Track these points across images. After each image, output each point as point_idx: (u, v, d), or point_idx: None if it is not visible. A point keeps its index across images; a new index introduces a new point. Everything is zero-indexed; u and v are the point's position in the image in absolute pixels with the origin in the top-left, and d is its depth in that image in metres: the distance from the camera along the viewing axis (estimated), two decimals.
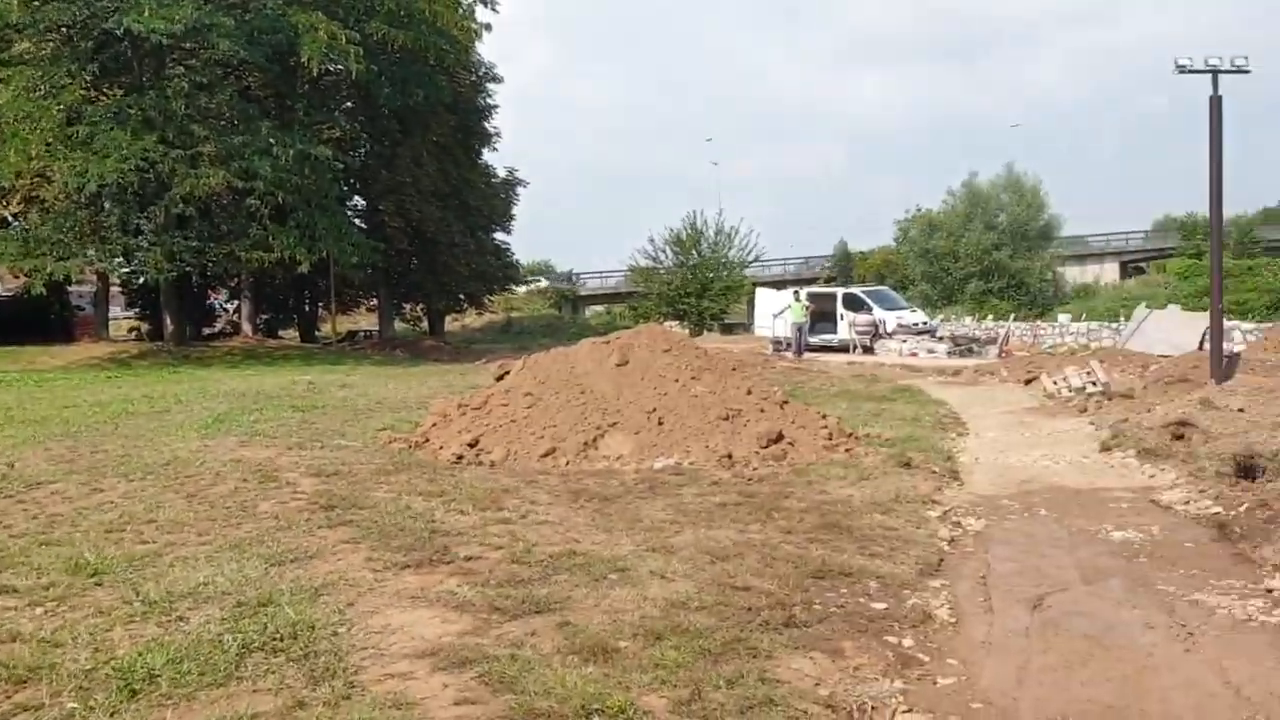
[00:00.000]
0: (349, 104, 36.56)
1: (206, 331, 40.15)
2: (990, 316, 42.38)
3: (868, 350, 31.83)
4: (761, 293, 38.99)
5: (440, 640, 4.94)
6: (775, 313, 33.73)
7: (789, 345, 31.71)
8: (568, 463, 9.93)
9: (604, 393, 10.86)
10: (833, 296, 35.71)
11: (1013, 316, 40.68)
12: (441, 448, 10.51)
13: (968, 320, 41.61)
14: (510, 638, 4.97)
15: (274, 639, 4.85)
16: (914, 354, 30.37)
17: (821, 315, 34.03)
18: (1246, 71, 16.60)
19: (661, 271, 51.51)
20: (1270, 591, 6.01)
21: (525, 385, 11.18)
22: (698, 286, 49.67)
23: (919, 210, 60.97)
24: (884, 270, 61.64)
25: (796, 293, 33.86)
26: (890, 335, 32.75)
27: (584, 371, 11.17)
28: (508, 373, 12.20)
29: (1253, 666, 4.91)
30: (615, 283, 65.98)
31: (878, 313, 34.06)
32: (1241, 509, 7.93)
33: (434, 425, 11.23)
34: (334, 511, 7.63)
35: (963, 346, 31.21)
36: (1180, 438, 11.21)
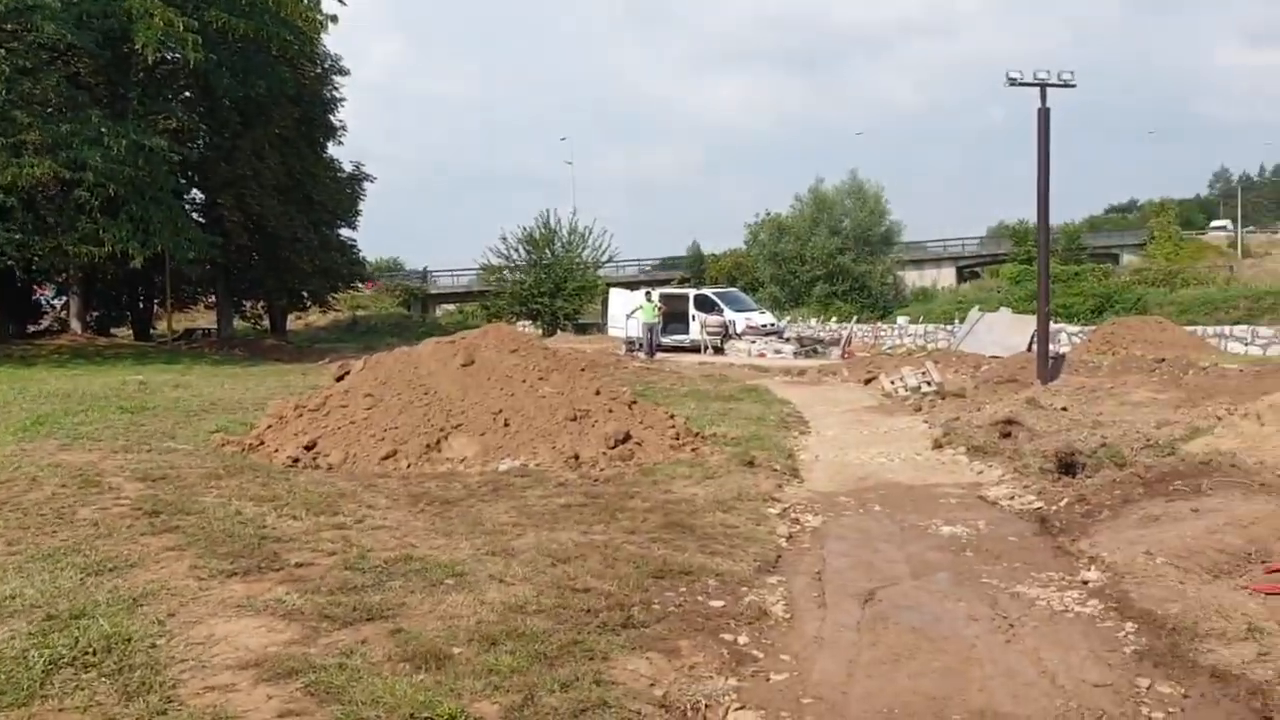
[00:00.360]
0: (187, 94, 35.04)
1: (31, 329, 37.91)
2: (834, 318, 43.54)
3: (718, 351, 32.29)
4: (615, 293, 39.16)
5: (266, 650, 4.74)
6: (628, 313, 33.95)
7: (640, 346, 31.93)
8: (409, 465, 9.73)
9: (448, 394, 10.68)
10: (685, 298, 36.15)
11: (855, 319, 41.91)
12: (277, 450, 10.16)
13: (813, 322, 42.65)
14: (340, 646, 4.81)
15: (86, 653, 4.57)
16: (762, 354, 30.95)
17: (674, 316, 34.40)
18: (1072, 86, 17.49)
19: (515, 270, 51.24)
20: (1086, 583, 6.30)
21: (366, 386, 10.90)
22: (551, 286, 49.57)
23: (768, 214, 62.38)
24: (735, 272, 62.76)
25: (648, 293, 34.13)
26: (740, 336, 33.31)
27: (428, 372, 10.96)
28: (348, 373, 11.88)
29: (1067, 655, 5.13)
30: (468, 281, 65.29)
31: (728, 314, 34.64)
32: (1062, 504, 8.32)
33: (269, 427, 10.85)
34: (159, 518, 7.25)
35: (808, 347, 31.99)
36: (1007, 435, 11.71)
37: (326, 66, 39.27)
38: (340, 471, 9.65)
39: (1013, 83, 16.84)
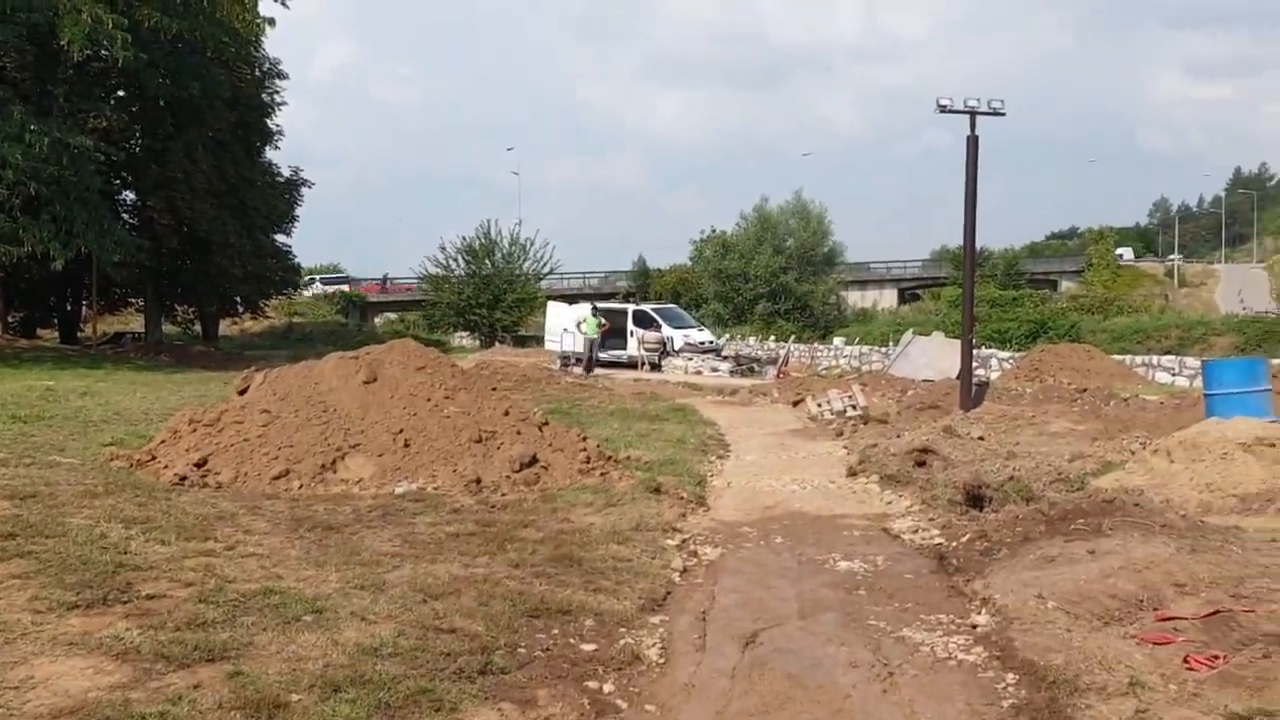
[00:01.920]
0: (120, 93, 34.31)
1: None
2: (773, 337, 43.55)
3: (655, 367, 32.14)
4: (553, 306, 38.81)
5: (87, 696, 4.39)
6: (565, 327, 33.67)
7: (577, 360, 31.73)
8: (301, 486, 9.36)
9: (348, 411, 10.32)
10: (624, 313, 35.96)
11: (793, 338, 41.93)
12: (166, 467, 9.73)
13: (751, 340, 42.64)
14: (169, 691, 4.47)
15: None
16: (699, 372, 30.84)
17: (612, 331, 34.19)
18: (1002, 114, 17.57)
19: (453, 280, 50.71)
20: (974, 627, 6.11)
21: (264, 401, 10.50)
22: (490, 297, 49.08)
23: (713, 231, 62.52)
24: (679, 288, 62.74)
25: (595, 308, 33.89)
26: (678, 353, 33.18)
27: (328, 388, 10.59)
28: (251, 386, 11.47)
29: (942, 708, 4.92)
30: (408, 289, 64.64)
31: (667, 330, 34.50)
32: (963, 540, 8.14)
33: (163, 442, 10.42)
34: (14, 541, 6.80)
35: (745, 366, 31.98)
36: (922, 464, 11.58)
37: (265, 70, 38.68)
38: (229, 491, 9.25)
39: (943, 110, 16.86)
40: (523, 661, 5.18)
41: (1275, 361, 18.11)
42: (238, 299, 41.12)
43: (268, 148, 40.30)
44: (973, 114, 17.11)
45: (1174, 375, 26.95)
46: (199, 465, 9.66)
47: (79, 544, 6.80)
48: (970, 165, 17.28)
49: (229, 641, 5.10)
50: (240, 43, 32.08)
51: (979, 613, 6.36)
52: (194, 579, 6.17)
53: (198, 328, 43.43)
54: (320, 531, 7.74)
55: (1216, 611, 5.76)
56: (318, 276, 64.72)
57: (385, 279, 68.99)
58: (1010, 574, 6.94)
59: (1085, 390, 17.55)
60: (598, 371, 30.00)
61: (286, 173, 41.99)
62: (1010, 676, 5.25)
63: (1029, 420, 14.63)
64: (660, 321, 35.06)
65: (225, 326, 46.14)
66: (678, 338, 34.31)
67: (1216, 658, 5.14)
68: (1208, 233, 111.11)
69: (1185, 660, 5.18)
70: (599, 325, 31.83)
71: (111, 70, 30.91)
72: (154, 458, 10.15)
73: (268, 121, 39.44)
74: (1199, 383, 25.77)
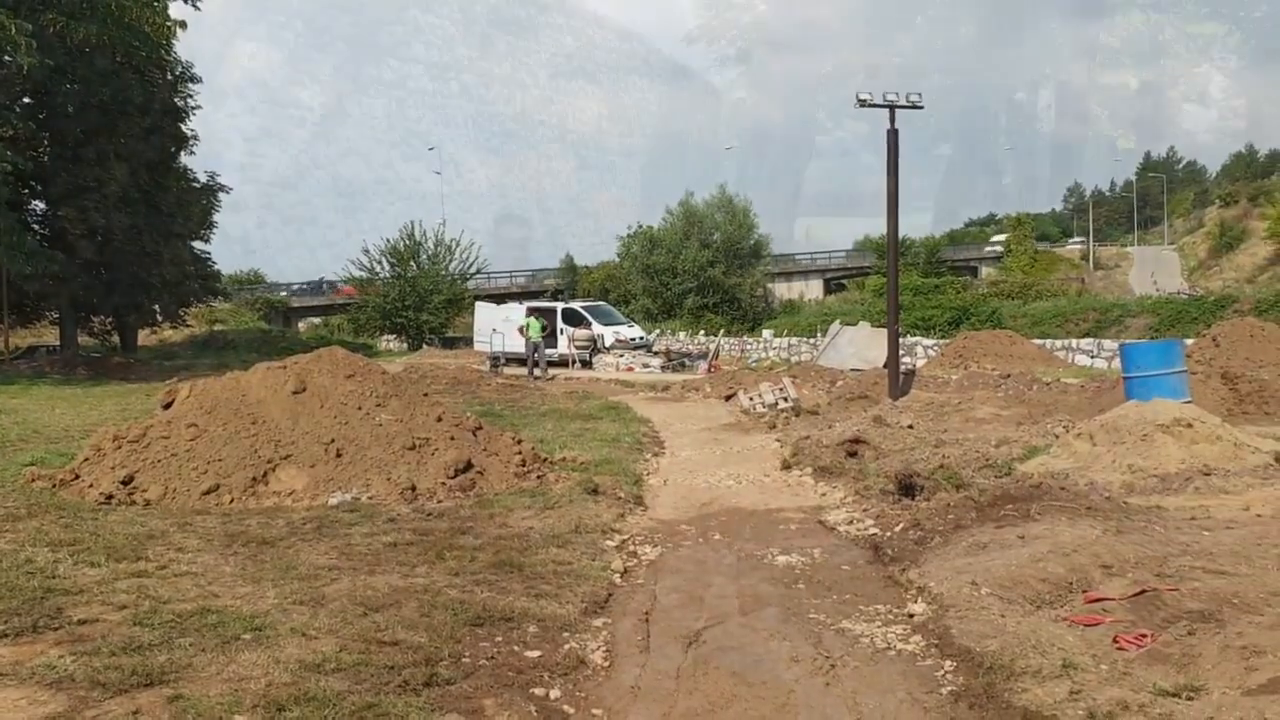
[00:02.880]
0: (26, 100, 33.29)
1: None
2: (703, 332, 43.79)
3: (586, 365, 32.15)
4: (481, 307, 38.54)
5: None
6: (495, 328, 33.47)
7: (508, 361, 31.61)
8: (232, 501, 9.21)
9: (278, 423, 10.16)
10: (553, 311, 35.87)
11: (722, 332, 42.21)
12: (91, 486, 9.50)
13: (681, 335, 42.84)
14: (108, 719, 4.39)
15: None
16: (630, 368, 30.91)
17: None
18: (920, 107, 17.85)
19: (378, 283, 50.19)
20: (911, 616, 6.24)
21: (190, 415, 10.30)
22: (416, 299, 48.61)
23: (640, 227, 62.58)
24: (608, 284, 62.70)
25: (532, 309, 33.72)
26: (608, 350, 33.22)
27: (257, 400, 10.42)
28: (175, 400, 11.23)
29: (883, 699, 5.02)
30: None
31: (596, 328, 34.50)
32: (897, 529, 8.30)
33: (86, 460, 10.16)
34: None
35: (676, 361, 32.11)
36: (854, 455, 11.76)
37: (178, 74, 37.77)
38: (158, 508, 9.06)
39: (862, 104, 17.09)
40: (467, 671, 5.16)
41: (1188, 342, 18.71)
42: (156, 308, 40.21)
43: (183, 153, 39.40)
44: (892, 108, 17.36)
45: (1092, 358, 27.68)
46: (125, 483, 9.45)
47: (4, 570, 6.64)
48: (891, 158, 17.55)
49: (167, 664, 5.01)
50: (151, 46, 31.25)
51: (915, 602, 6.49)
52: (127, 601, 6.05)
53: (116, 339, 42.31)
54: (254, 546, 7.62)
55: (1143, 591, 5.94)
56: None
57: (322, 283, 68.02)
58: (944, 562, 7.08)
59: (1008, 376, 17.94)
60: (537, 372, 29.89)
61: (203, 178, 41.09)
62: (948, 664, 5.37)
63: (955, 407, 14.91)
64: (590, 319, 35.06)
65: (144, 337, 45.03)
66: (608, 335, 34.36)
67: (1144, 636, 5.31)
68: (1120, 216, 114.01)
69: (1115, 640, 5.33)
70: (542, 327, 31.72)
71: (16, 76, 29.94)
72: (78, 477, 9.90)
73: (182, 126, 38.52)
74: (1117, 364, 26.49)
